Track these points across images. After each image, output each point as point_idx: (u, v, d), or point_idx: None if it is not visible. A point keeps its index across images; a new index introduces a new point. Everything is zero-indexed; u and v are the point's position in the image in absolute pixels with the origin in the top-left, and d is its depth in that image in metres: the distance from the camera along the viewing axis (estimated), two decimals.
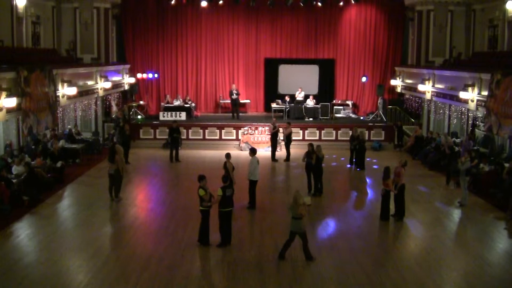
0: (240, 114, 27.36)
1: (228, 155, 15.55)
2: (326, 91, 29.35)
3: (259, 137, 24.59)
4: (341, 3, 27.98)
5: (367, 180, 19.80)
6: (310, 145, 17.54)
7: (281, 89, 29.35)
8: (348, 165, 21.47)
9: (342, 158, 22.71)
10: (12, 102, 15.50)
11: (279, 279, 10.93)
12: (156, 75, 28.85)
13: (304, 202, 11.65)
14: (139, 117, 26.99)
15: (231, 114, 27.43)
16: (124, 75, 27.63)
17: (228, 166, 15.22)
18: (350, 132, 22.94)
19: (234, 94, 27.11)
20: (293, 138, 23.14)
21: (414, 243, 13.46)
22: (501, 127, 16.69)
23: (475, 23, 25.35)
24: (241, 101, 28.32)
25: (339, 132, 25.54)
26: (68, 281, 10.80)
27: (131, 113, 26.85)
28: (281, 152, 23.07)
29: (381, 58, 29.29)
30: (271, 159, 22.35)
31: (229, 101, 28.27)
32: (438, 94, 22.90)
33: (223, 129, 25.51)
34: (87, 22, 25.87)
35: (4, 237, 13.21)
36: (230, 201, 12.72)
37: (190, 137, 25.29)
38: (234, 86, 27.68)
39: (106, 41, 26.41)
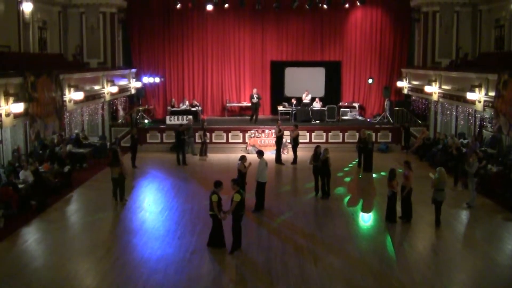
0: (246, 117, 27.30)
1: (243, 158, 15.73)
2: (332, 94, 29.30)
3: (266, 140, 24.58)
4: (347, 5, 27.90)
5: (374, 182, 19.73)
6: (317, 147, 17.54)
7: (288, 92, 29.31)
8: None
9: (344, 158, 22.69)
10: (19, 107, 15.59)
11: (287, 281, 10.90)
12: (162, 79, 28.89)
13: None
14: (145, 121, 27.04)
15: (239, 117, 27.49)
16: (131, 79, 27.71)
17: (240, 169, 15.31)
18: (357, 134, 22.85)
19: (255, 98, 27.06)
20: (300, 140, 23.14)
21: (422, 244, 13.41)
22: None
23: (481, 24, 25.21)
24: (247, 104, 28.39)
25: (346, 134, 25.49)
26: (76, 285, 10.83)
27: (138, 117, 26.91)
28: (288, 154, 23.03)
29: (387, 59, 29.20)
30: (275, 161, 22.31)
31: (235, 104, 28.48)
32: (445, 95, 22.80)
33: (230, 132, 25.51)
34: (93, 27, 25.99)
35: (12, 241, 13.28)
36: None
37: (197, 140, 25.28)
38: (255, 90, 27.55)
39: (113, 45, 26.50)
